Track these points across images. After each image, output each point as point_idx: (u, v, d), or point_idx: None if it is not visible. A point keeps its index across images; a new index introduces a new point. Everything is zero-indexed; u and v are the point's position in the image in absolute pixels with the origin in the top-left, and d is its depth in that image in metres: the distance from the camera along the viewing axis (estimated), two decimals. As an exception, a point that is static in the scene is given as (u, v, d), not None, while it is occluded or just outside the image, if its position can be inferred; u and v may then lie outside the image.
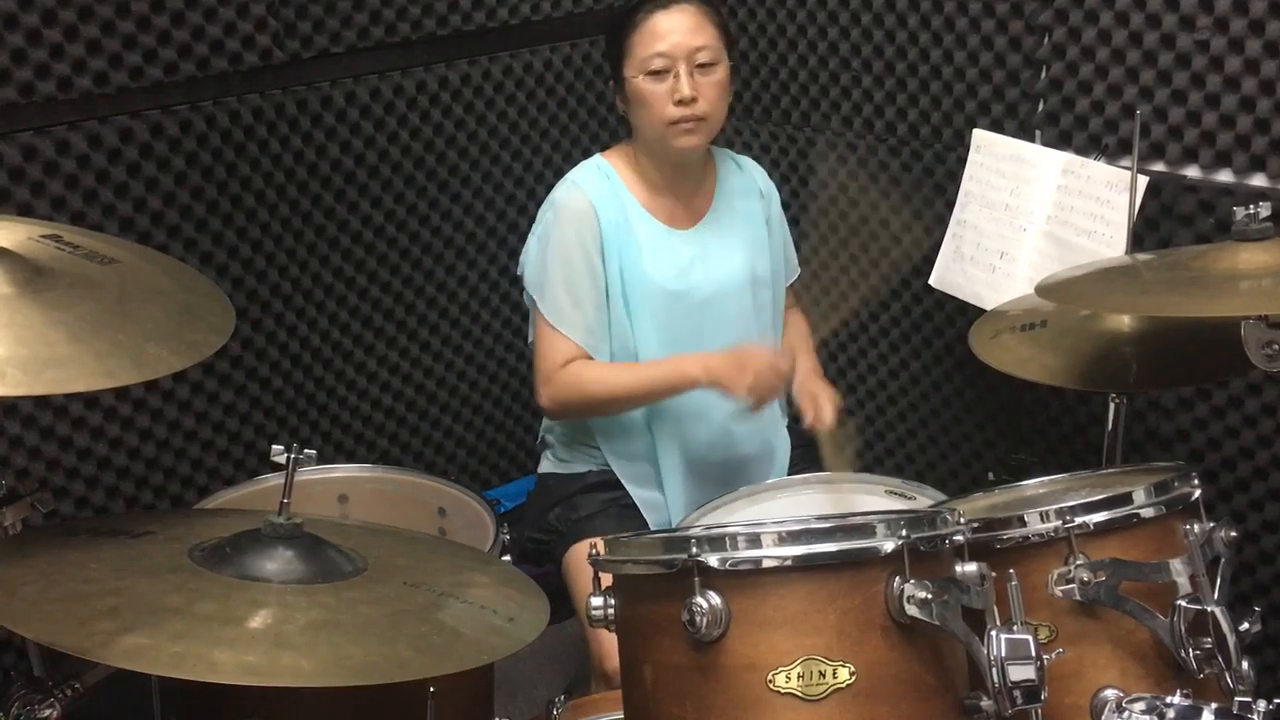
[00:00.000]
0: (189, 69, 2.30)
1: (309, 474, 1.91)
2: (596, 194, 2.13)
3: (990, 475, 2.51)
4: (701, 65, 2.07)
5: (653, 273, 2.13)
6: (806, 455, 2.29)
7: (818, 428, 2.15)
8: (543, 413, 2.21)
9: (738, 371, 2.02)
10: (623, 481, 2.20)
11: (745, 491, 2.09)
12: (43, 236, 1.55)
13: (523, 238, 2.24)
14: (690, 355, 2.09)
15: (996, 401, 2.61)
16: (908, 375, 2.75)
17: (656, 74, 2.06)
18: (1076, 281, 1.79)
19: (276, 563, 1.37)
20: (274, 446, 1.48)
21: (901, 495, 2.04)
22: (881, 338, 2.77)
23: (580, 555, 2.08)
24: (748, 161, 2.32)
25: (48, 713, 1.33)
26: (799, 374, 2.24)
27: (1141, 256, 1.94)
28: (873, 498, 2.06)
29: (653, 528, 2.17)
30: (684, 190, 2.19)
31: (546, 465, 2.30)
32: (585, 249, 2.10)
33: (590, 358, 2.12)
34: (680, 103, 2.05)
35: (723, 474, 2.19)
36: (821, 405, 2.16)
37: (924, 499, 1.99)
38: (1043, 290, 1.78)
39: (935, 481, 2.37)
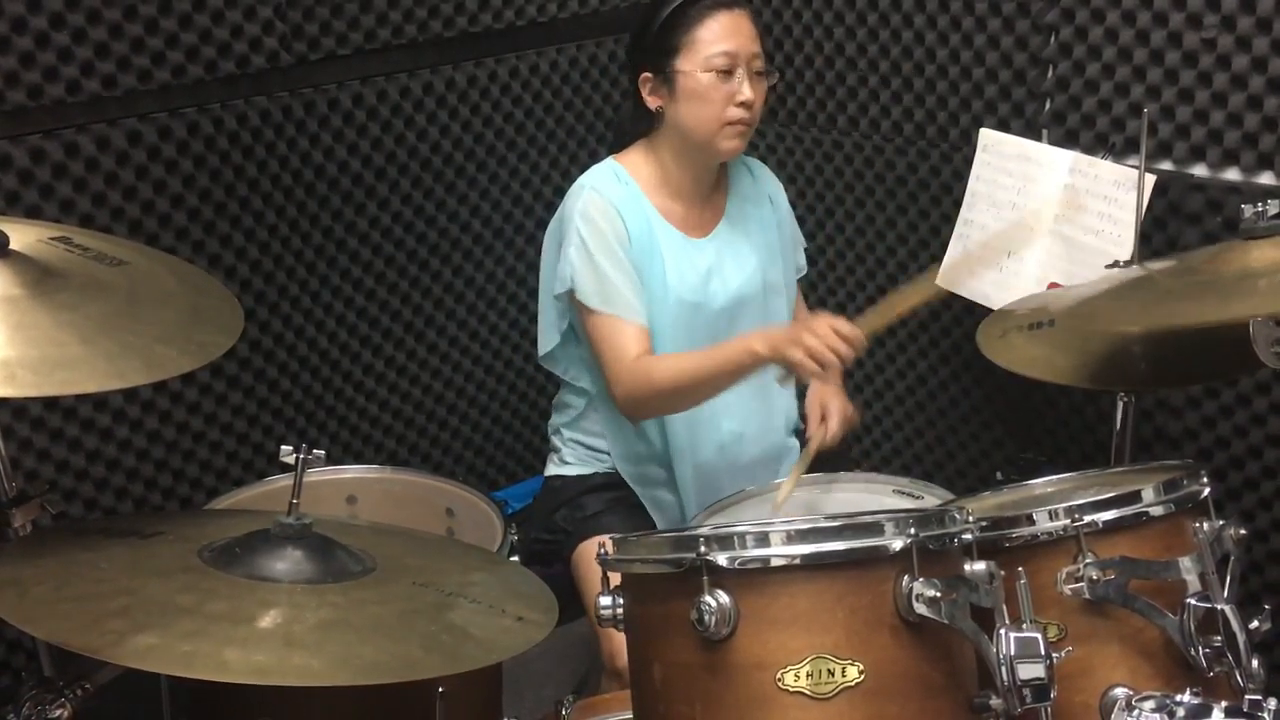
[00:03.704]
0: (196, 72, 2.31)
1: (317, 475, 1.90)
2: (620, 200, 2.10)
3: (998, 475, 2.50)
4: (758, 73, 2.07)
5: (674, 284, 2.11)
6: (815, 457, 2.28)
7: (821, 441, 2.10)
8: (621, 413, 2.13)
9: (796, 341, 1.90)
10: (629, 483, 2.20)
11: (753, 491, 2.09)
12: (52, 238, 1.56)
13: (530, 239, 2.23)
14: (752, 333, 2.03)
15: (1004, 401, 2.61)
16: (915, 375, 2.75)
17: (721, 73, 2.04)
18: (1089, 302, 1.78)
19: (286, 563, 1.37)
20: (283, 447, 1.48)
21: (909, 494, 2.04)
22: (888, 337, 2.76)
23: (588, 553, 2.08)
24: (758, 165, 2.30)
25: (59, 713, 1.34)
26: (814, 383, 2.18)
27: (1152, 265, 1.93)
28: (880, 497, 2.06)
29: (660, 527, 2.16)
30: (700, 196, 2.17)
31: (552, 468, 2.30)
32: (623, 247, 2.08)
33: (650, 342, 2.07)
34: (742, 104, 2.04)
35: (731, 477, 2.17)
36: (829, 417, 2.13)
37: (931, 498, 1.99)
38: (1059, 317, 1.78)
39: (943, 481, 2.36)
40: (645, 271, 2.10)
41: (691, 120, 2.08)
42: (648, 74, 2.10)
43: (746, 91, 2.04)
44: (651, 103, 2.11)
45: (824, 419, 2.15)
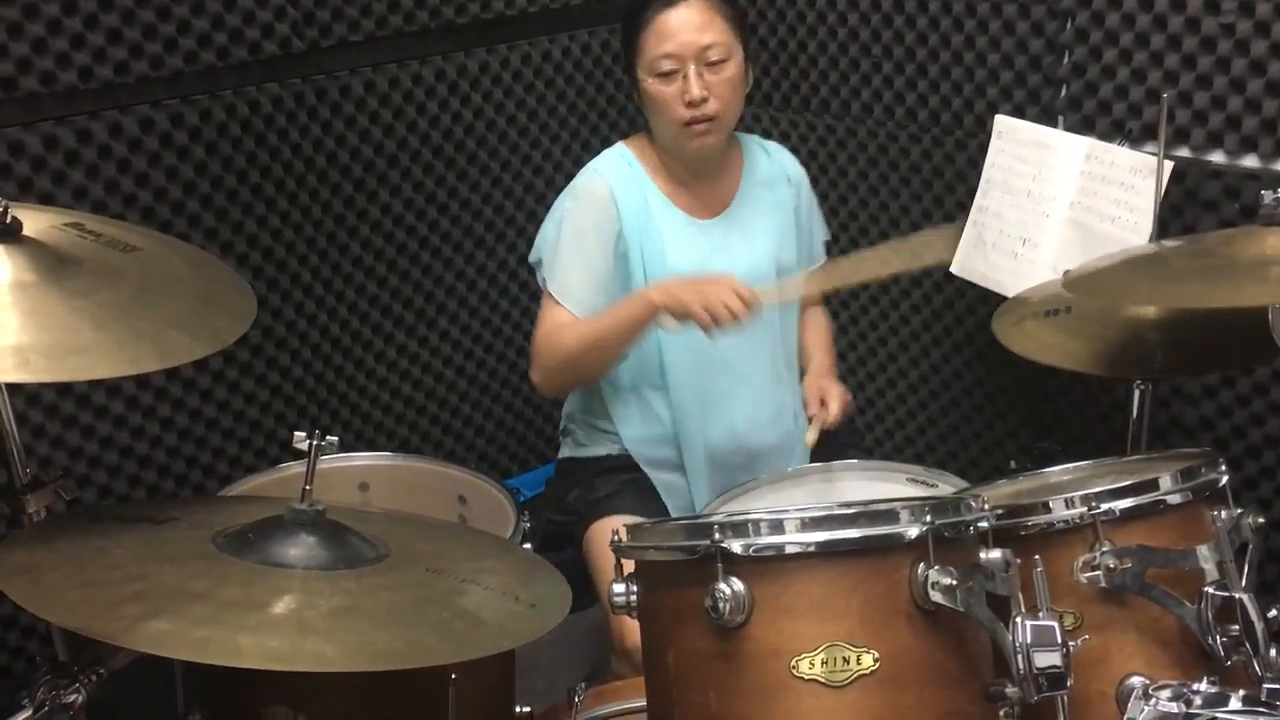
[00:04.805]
0: (209, 58, 2.30)
1: (330, 462, 1.90)
2: (619, 182, 2.12)
3: (1012, 464, 2.49)
4: (711, 63, 2.02)
5: (675, 263, 2.12)
6: (826, 447, 2.28)
7: (824, 422, 2.16)
8: (537, 390, 2.20)
9: (693, 291, 1.92)
10: (641, 466, 2.20)
11: (766, 479, 2.09)
12: (65, 225, 1.55)
13: (540, 225, 2.23)
14: (650, 285, 2.04)
15: (1018, 390, 2.59)
16: (928, 363, 2.74)
17: (666, 75, 2.02)
18: (1102, 274, 1.77)
19: (299, 549, 1.37)
20: (296, 433, 1.48)
21: (923, 483, 2.03)
22: (902, 325, 2.75)
23: (600, 534, 2.09)
24: (776, 148, 2.29)
25: (73, 698, 1.34)
26: (811, 369, 2.25)
27: (1168, 244, 1.92)
28: (894, 485, 2.05)
29: (671, 511, 2.16)
30: (705, 182, 2.18)
31: (566, 451, 2.30)
32: (601, 236, 2.09)
33: None
34: (691, 104, 2.02)
35: (743, 464, 2.18)
36: (829, 401, 2.17)
37: (945, 486, 1.98)
38: (1070, 284, 1.77)
39: (956, 470, 2.35)
40: (645, 251, 2.11)
41: (655, 124, 2.10)
42: (626, 77, 2.13)
43: (692, 89, 2.00)
44: (636, 102, 2.14)
45: (824, 403, 2.20)
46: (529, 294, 2.80)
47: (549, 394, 2.22)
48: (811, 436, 2.16)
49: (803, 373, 2.29)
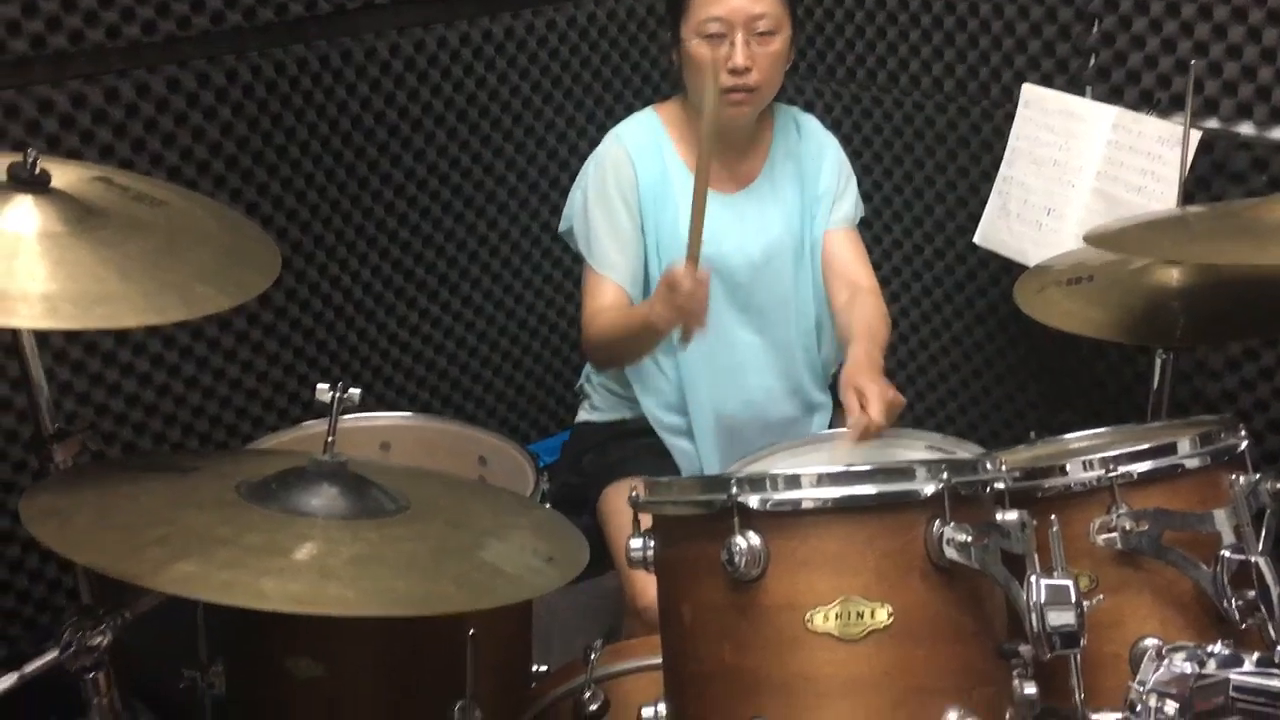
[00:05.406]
0: (235, 19, 2.31)
1: (352, 421, 1.92)
2: (637, 149, 2.11)
3: (1032, 434, 2.48)
4: (760, 34, 2.00)
5: (686, 235, 2.11)
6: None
7: (867, 426, 1.81)
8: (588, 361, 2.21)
9: (656, 308, 1.90)
10: (656, 429, 2.20)
11: (785, 444, 2.07)
12: (93, 178, 1.57)
13: (563, 192, 2.24)
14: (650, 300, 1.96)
15: (1039, 361, 2.59)
16: (950, 334, 2.73)
17: (711, 38, 2.00)
18: (1124, 231, 1.77)
19: (321, 499, 1.38)
20: (319, 386, 1.49)
21: (942, 450, 2.02)
22: (924, 296, 2.75)
23: (613, 498, 2.09)
24: (808, 121, 2.24)
25: (99, 640, 1.36)
26: (847, 364, 1.97)
27: (1192, 209, 1.91)
28: (913, 453, 2.04)
29: (684, 475, 2.17)
30: (732, 153, 2.15)
31: (583, 414, 2.31)
32: (625, 198, 2.09)
33: (630, 302, 2.10)
34: (734, 72, 1.99)
35: (759, 435, 2.16)
36: (868, 403, 1.82)
37: (964, 454, 1.98)
38: (1092, 239, 1.76)
39: (977, 440, 2.34)
40: (658, 220, 2.10)
41: (692, 87, 2.07)
42: (670, 35, 2.10)
43: (738, 58, 1.98)
44: (675, 62, 2.11)
45: (863, 406, 1.85)
46: (551, 260, 2.81)
47: (600, 370, 2.22)
48: (852, 435, 1.84)
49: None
